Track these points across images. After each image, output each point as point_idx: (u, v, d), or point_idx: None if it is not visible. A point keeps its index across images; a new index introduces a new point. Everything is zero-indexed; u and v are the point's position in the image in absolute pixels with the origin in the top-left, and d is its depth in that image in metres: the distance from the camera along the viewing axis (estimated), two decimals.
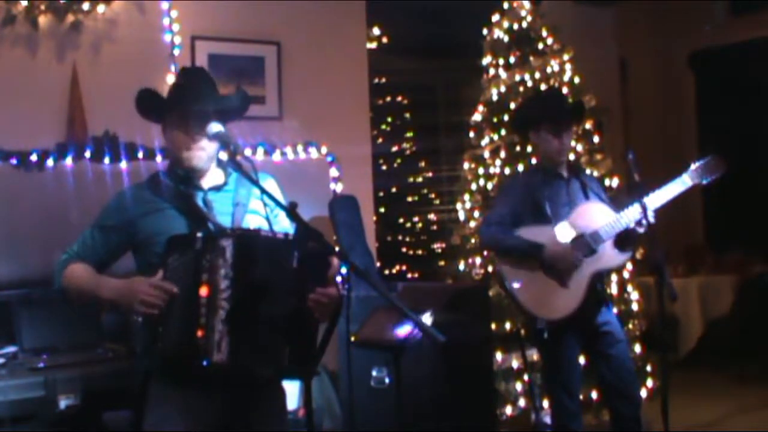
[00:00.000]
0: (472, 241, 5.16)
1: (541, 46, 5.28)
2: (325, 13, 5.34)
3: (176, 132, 2.51)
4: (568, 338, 3.72)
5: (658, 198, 3.66)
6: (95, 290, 2.45)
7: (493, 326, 4.71)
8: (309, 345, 2.35)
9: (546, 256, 3.65)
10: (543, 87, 5.11)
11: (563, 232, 3.71)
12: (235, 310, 2.23)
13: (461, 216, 5.33)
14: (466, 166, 5.36)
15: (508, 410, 4.80)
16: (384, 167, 6.42)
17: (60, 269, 2.51)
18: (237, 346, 2.22)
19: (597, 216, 3.73)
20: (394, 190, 6.63)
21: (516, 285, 3.71)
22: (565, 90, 5.13)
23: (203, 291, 2.23)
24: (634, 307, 5.12)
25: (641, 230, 3.61)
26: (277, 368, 2.34)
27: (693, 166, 3.70)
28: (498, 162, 5.13)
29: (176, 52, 4.78)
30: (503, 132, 5.13)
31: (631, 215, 3.63)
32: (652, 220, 3.57)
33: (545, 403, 4.57)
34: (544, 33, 5.31)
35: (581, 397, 4.10)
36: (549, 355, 3.83)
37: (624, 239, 3.73)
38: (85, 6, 4.47)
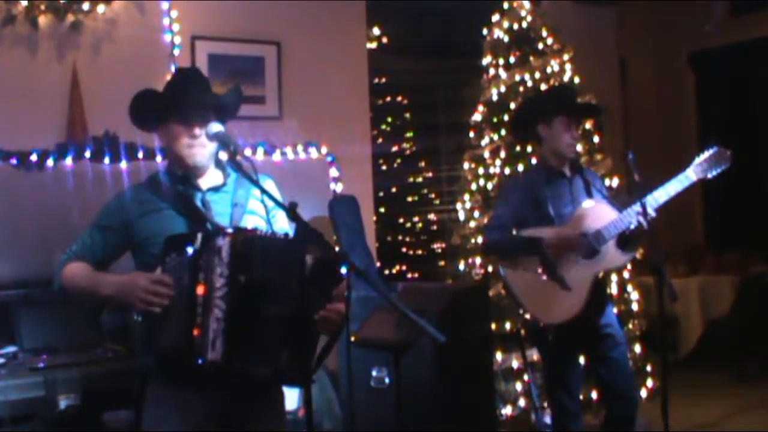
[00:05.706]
0: (472, 241, 5.16)
1: (541, 46, 5.27)
2: (325, 13, 5.34)
3: (177, 129, 2.51)
4: (570, 339, 3.69)
5: (661, 195, 3.61)
6: (94, 288, 2.45)
7: (493, 326, 4.71)
8: (308, 351, 2.34)
9: (547, 244, 3.57)
10: (543, 87, 5.11)
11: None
12: (231, 309, 2.23)
13: (461, 216, 5.33)
14: (466, 166, 5.35)
15: (508, 410, 4.80)
16: (384, 167, 6.42)
17: (59, 269, 2.51)
18: (232, 345, 2.22)
19: (599, 216, 3.68)
20: (394, 190, 6.63)
21: (519, 289, 3.69)
22: None
23: (200, 290, 2.23)
24: (634, 307, 5.11)
25: (644, 227, 3.52)
26: (273, 369, 2.33)
27: (697, 160, 3.64)
28: (498, 162, 5.12)
29: (176, 52, 4.78)
30: (503, 132, 5.13)
31: (633, 214, 3.57)
32: (653, 214, 3.52)
33: (545, 403, 4.57)
34: (544, 33, 5.31)
35: (581, 397, 4.09)
36: (551, 356, 3.82)
37: (626, 239, 3.69)
38: (85, 6, 4.47)
